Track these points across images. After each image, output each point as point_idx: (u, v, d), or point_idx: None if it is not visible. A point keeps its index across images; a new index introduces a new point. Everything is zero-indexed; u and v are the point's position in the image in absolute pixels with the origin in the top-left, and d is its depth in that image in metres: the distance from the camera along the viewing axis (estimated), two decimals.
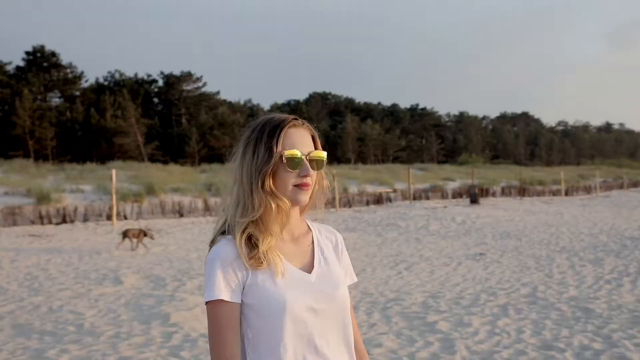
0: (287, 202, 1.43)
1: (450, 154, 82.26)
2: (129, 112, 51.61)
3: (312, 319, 1.41)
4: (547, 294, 7.46)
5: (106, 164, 35.55)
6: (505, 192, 32.40)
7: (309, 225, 1.59)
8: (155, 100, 64.72)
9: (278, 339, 1.37)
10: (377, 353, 5.10)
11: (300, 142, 1.44)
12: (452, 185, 37.74)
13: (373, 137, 72.58)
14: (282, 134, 1.42)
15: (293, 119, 1.46)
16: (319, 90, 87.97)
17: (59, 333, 5.92)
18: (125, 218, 19.19)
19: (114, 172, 18.28)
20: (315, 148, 1.49)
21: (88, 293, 7.97)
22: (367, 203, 26.40)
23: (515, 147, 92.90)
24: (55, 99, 56.45)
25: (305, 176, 1.43)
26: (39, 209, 17.96)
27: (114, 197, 17.74)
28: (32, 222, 17.19)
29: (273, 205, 1.41)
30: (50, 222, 17.42)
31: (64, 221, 17.70)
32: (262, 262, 1.38)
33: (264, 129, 1.45)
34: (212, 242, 1.45)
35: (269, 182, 1.41)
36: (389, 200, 27.56)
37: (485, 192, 30.86)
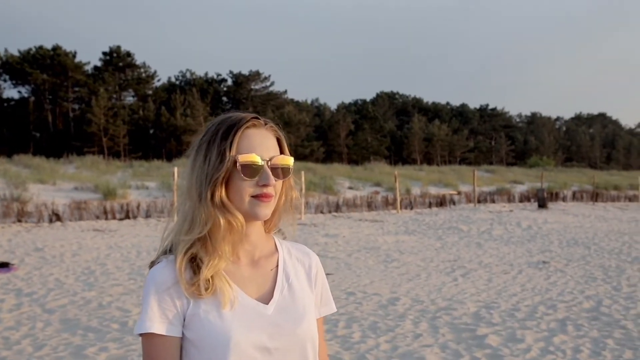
0: (240, 217, 1.22)
1: (520, 156, 79.72)
2: (198, 110, 52.87)
3: (265, 359, 1.21)
4: (612, 310, 6.94)
5: (172, 162, 36.45)
6: (577, 196, 30.93)
7: (277, 245, 1.38)
8: (224, 99, 65.96)
9: None
10: None
11: (260, 145, 1.24)
12: (519, 189, 36.45)
13: (440, 137, 71.30)
14: (237, 136, 1.22)
15: (253, 117, 1.26)
16: (386, 89, 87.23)
17: (102, 330, 5.97)
18: None
19: (175, 169, 18.64)
20: (281, 152, 1.29)
21: (138, 290, 8.06)
22: (430, 205, 25.82)
23: (590, 150, 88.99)
24: (128, 98, 58.61)
25: (265, 185, 1.22)
26: (104, 204, 18.55)
27: (175, 194, 18.08)
28: (97, 217, 17.76)
29: (222, 221, 1.20)
30: (114, 218, 17.95)
31: (127, 217, 18.18)
32: (202, 291, 1.19)
33: (218, 129, 1.24)
34: (153, 263, 1.26)
35: (220, 193, 1.20)
36: (453, 202, 26.86)
37: (554, 196, 29.58)
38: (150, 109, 53.79)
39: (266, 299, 1.26)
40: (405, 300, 7.51)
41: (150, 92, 58.75)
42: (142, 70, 58.35)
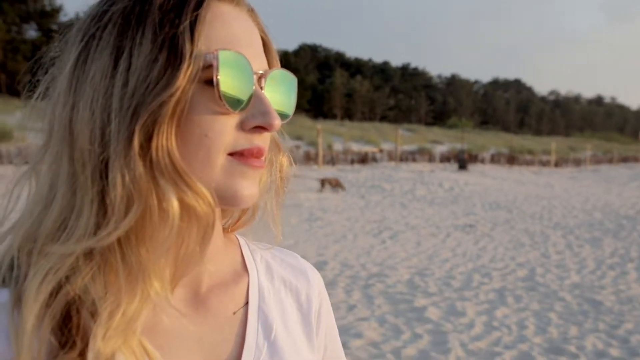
0: (209, 196, 0.49)
1: (439, 116, 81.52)
2: None
3: None
4: (547, 279, 6.68)
5: None
6: (495, 159, 31.63)
7: (246, 256, 0.64)
8: None
9: None
10: (356, 347, 4.25)
11: (245, 39, 0.51)
12: (440, 149, 36.93)
13: (362, 93, 71.40)
14: (202, 13, 0.47)
15: None
16: (309, 41, 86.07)
17: None
18: None
19: None
20: (270, 66, 0.56)
21: None
22: (352, 162, 25.49)
23: (505, 114, 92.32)
24: (30, 32, 54.21)
25: (262, 129, 0.51)
26: None
27: None
28: None
29: (174, 205, 0.47)
30: (10, 163, 16.29)
31: (26, 163, 16.55)
32: None
33: None
34: None
35: (168, 140, 0.46)
36: (375, 160, 26.67)
37: (474, 158, 30.09)
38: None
39: None
40: (334, 265, 6.95)
41: (55, 27, 54.60)
42: (46, 2, 54.04)
